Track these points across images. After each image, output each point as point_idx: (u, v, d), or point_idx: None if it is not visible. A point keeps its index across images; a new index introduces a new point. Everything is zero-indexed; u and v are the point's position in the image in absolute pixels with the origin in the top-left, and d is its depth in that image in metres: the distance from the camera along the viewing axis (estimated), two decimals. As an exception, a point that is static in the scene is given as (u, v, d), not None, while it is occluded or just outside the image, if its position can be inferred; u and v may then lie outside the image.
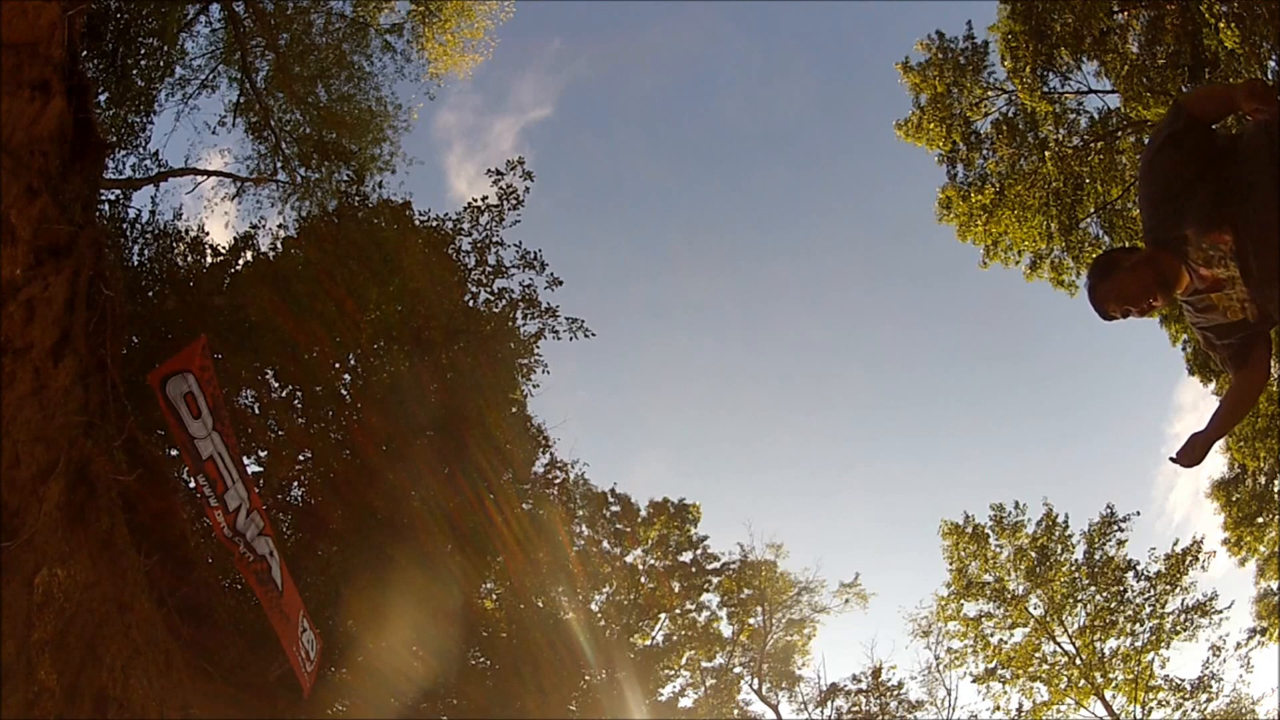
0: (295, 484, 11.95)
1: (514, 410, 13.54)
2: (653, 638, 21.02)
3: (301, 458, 11.82)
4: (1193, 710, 20.53)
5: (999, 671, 21.83)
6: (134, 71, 11.82)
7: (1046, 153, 13.60)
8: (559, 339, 13.57)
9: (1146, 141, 3.09)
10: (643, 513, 21.62)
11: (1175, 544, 21.39)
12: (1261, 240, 2.40)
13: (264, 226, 15.51)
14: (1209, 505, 17.36)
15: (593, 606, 19.25)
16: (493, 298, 13.50)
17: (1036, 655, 21.62)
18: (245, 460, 8.46)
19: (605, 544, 20.99)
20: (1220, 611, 20.50)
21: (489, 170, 13.45)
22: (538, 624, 14.33)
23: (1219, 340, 2.80)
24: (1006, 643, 21.95)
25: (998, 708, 21.81)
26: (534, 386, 13.90)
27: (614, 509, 21.27)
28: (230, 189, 15.17)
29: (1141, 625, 20.91)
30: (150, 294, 11.15)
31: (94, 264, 4.66)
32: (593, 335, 13.62)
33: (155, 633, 5.55)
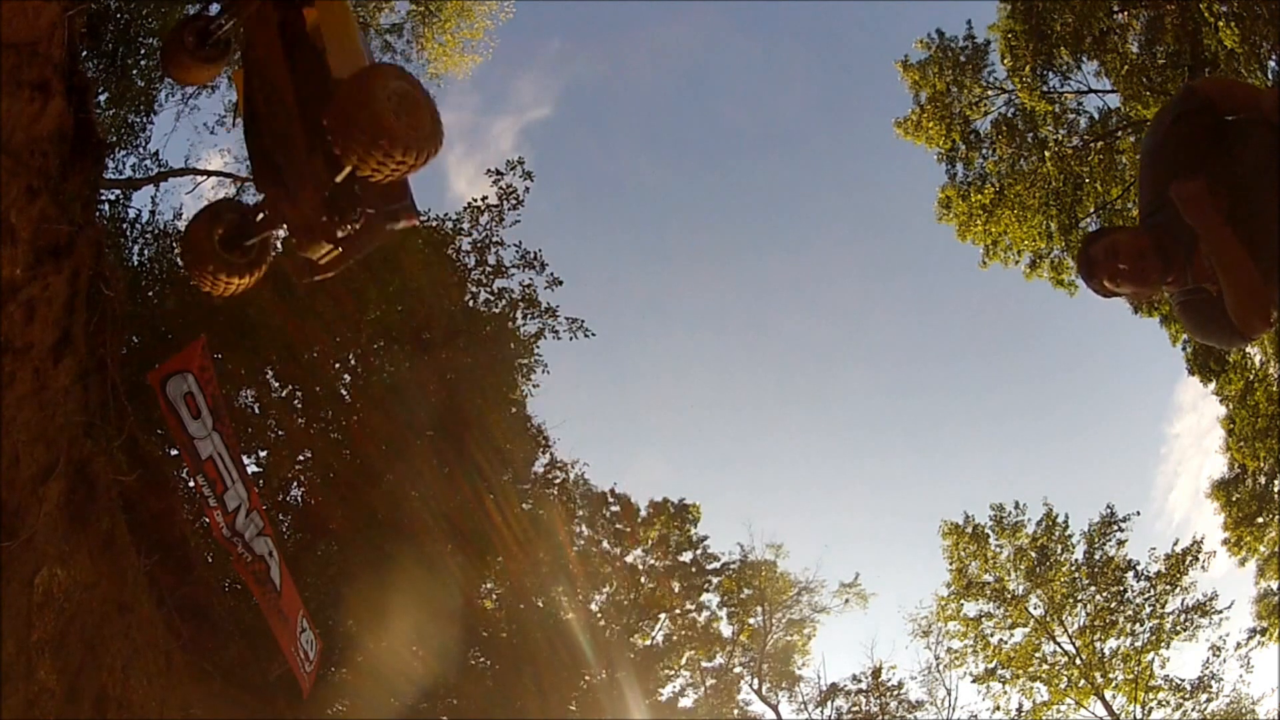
0: (295, 484, 11.95)
1: (514, 410, 13.54)
2: (653, 638, 21.00)
3: (301, 458, 11.82)
4: (1193, 710, 20.50)
5: (999, 671, 21.80)
6: (134, 71, 11.80)
7: (1046, 152, 13.61)
8: (559, 339, 13.57)
9: (1152, 122, 2.98)
10: (643, 513, 21.57)
11: (1175, 544, 21.30)
12: (1263, 231, 2.37)
13: (264, 226, 15.48)
14: (1209, 505, 17.34)
15: (593, 606, 19.21)
16: (493, 298, 13.50)
17: (1036, 655, 21.59)
18: (245, 460, 8.46)
19: (605, 544, 20.95)
20: (1220, 612, 20.44)
21: (489, 170, 13.42)
22: (538, 624, 14.32)
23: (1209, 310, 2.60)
24: (1006, 643, 21.92)
25: (998, 708, 21.82)
26: (534, 387, 13.91)
27: (614, 509, 21.22)
28: (230, 189, 15.16)
29: (1141, 625, 20.87)
30: (150, 294, 11.15)
31: (94, 264, 4.66)
32: (593, 335, 13.62)
33: (155, 633, 5.56)
